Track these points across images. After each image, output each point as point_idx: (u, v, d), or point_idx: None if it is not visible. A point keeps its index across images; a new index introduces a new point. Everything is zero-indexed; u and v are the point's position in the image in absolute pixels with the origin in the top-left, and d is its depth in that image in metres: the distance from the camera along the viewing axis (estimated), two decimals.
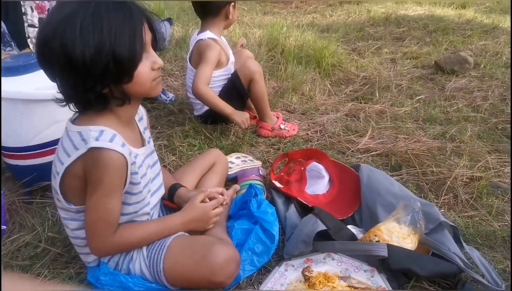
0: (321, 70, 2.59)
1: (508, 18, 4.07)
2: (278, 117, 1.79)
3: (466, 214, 1.20)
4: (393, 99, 2.19)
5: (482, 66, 2.64)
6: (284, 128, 1.72)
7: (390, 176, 1.42)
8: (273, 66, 2.55)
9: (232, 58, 1.77)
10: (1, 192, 1.20)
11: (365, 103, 2.17)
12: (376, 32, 3.69)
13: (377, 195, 1.09)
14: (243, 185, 1.25)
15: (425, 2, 5.04)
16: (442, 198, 1.27)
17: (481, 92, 2.22)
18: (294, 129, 1.75)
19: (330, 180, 1.26)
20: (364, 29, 3.78)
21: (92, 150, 0.82)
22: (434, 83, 2.44)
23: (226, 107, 1.63)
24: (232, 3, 1.67)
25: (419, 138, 1.68)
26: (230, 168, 1.32)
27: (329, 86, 2.39)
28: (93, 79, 0.81)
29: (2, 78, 1.19)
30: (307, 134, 1.78)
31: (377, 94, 2.26)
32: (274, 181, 1.25)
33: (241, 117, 1.63)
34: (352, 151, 1.61)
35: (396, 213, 0.97)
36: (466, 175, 1.37)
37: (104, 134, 0.84)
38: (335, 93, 2.33)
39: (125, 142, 0.87)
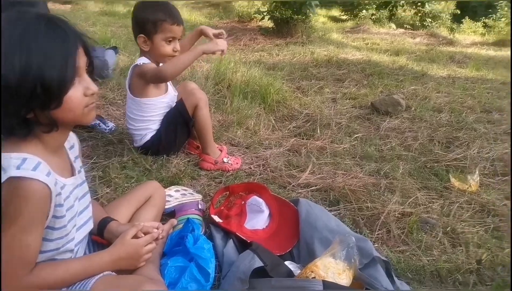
0: (266, 106, 2.65)
1: (435, 66, 4.50)
2: (221, 150, 1.78)
3: (398, 248, 1.24)
4: (333, 137, 2.28)
5: (413, 109, 2.85)
6: (227, 162, 1.71)
7: (329, 210, 1.45)
8: (219, 100, 2.57)
9: (171, 88, 1.77)
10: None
11: (307, 139, 2.23)
12: (319, 72, 3.89)
13: (315, 229, 1.10)
14: (181, 219, 1.21)
15: (363, 48, 5.44)
16: (376, 232, 1.31)
17: (411, 132, 2.39)
18: (237, 163, 1.75)
19: (270, 214, 1.26)
20: (308, 69, 3.96)
21: (10, 179, 0.75)
22: (370, 122, 2.59)
23: (192, 51, 1.61)
24: (143, 35, 1.60)
25: (356, 175, 1.75)
26: (168, 201, 1.27)
27: (273, 121, 2.44)
28: (17, 103, 0.75)
29: None
30: (250, 168, 1.78)
31: (318, 131, 2.35)
32: (213, 216, 1.22)
33: (214, 43, 1.61)
34: (293, 186, 1.63)
35: (332, 248, 0.98)
36: (398, 211, 1.43)
37: (27, 162, 0.77)
38: (278, 129, 2.38)
39: (51, 171, 0.80)
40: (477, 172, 1.74)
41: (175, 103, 1.72)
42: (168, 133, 1.66)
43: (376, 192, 1.62)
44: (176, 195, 1.30)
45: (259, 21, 6.55)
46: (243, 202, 1.27)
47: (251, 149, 2.01)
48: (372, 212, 1.43)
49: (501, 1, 8.19)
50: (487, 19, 8.67)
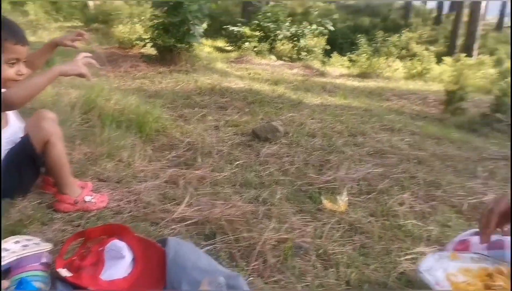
0: (143, 135, 2.50)
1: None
2: (84, 187, 1.57)
3: (273, 278, 1.22)
4: (214, 165, 2.24)
5: (290, 134, 2.98)
6: (90, 201, 1.51)
7: (204, 245, 1.37)
8: (88, 130, 2.33)
9: (15, 119, 1.52)
10: None
11: (186, 169, 2.14)
12: (202, 100, 3.87)
13: (183, 271, 1.00)
14: (14, 279, 0.98)
15: (246, 77, 5.65)
16: (253, 264, 1.27)
17: (289, 157, 2.48)
18: (103, 201, 1.56)
19: (134, 260, 1.12)
20: (191, 97, 3.92)
21: None
22: (251, 149, 2.62)
23: (46, 73, 1.35)
24: None
25: (235, 203, 1.71)
26: (3, 257, 1.03)
27: (150, 152, 2.30)
28: None
29: None
30: (119, 205, 1.61)
31: (199, 160, 2.28)
32: (59, 269, 1.03)
33: (74, 64, 1.38)
34: (166, 221, 1.51)
35: (200, 290, 0.89)
36: (274, 238, 1.42)
37: None
38: (156, 159, 2.25)
39: None
40: (345, 192, 1.85)
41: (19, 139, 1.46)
42: (10, 174, 1.39)
43: (254, 220, 1.60)
44: (14, 248, 1.07)
45: (142, 48, 6.35)
46: (100, 248, 1.11)
47: (122, 183, 1.83)
48: (249, 242, 1.39)
49: (361, 39, 9.40)
50: (351, 54, 9.84)
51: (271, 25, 10.18)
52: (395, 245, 1.50)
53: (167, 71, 5.23)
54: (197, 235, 1.43)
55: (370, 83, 7.25)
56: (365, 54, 8.90)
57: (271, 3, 11.75)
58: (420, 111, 5.12)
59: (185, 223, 1.50)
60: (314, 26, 10.89)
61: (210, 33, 10.77)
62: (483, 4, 12.09)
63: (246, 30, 9.98)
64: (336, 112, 4.00)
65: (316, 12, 11.75)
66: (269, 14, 10.28)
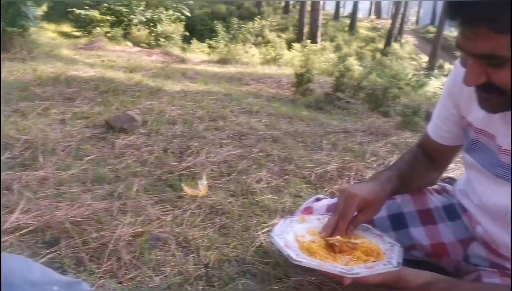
0: None
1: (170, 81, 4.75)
2: None
3: (128, 276, 1.13)
4: (59, 163, 1.99)
5: (149, 123, 2.85)
6: None
7: (46, 254, 1.20)
8: None
9: None
10: None
11: (23, 171, 1.85)
12: (44, 92, 3.41)
13: (11, 289, 0.85)
14: None
15: (97, 65, 5.19)
16: (105, 265, 1.17)
17: (148, 147, 2.36)
18: None
19: None
20: (29, 89, 3.42)
21: None
22: (105, 142, 2.42)
23: None
24: None
25: (84, 202, 1.54)
26: None
27: None
28: None
29: None
30: None
31: (40, 159, 2.00)
32: None
33: None
34: None
35: None
36: (129, 233, 1.33)
37: None
38: None
39: None
40: (204, 176, 1.85)
41: None
42: None
43: (107, 218, 1.47)
44: None
45: None
46: None
47: None
48: (100, 242, 1.27)
49: (218, 26, 9.57)
50: (211, 41, 9.97)
51: (123, 9, 9.58)
52: (253, 221, 1.56)
53: None
54: (35, 244, 1.24)
55: (230, 69, 7.48)
56: (223, 41, 9.10)
57: None
58: (275, 93, 5.48)
59: (20, 232, 1.29)
60: (170, 12, 10.63)
61: (54, 17, 9.59)
62: None
63: (95, 14, 9.17)
64: (196, 98, 3.99)
65: None
66: None
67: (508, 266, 0.97)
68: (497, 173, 0.86)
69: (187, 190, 1.77)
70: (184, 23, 10.83)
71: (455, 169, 2.24)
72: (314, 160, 2.38)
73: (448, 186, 1.21)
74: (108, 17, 9.40)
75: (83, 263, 1.15)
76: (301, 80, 5.51)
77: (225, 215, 1.62)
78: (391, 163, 2.21)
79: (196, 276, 1.15)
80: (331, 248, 0.91)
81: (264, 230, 1.49)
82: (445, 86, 1.01)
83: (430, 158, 1.11)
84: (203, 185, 1.79)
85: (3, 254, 0.93)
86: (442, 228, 1.12)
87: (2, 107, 2.81)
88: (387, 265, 0.81)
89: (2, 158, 1.98)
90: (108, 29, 9.09)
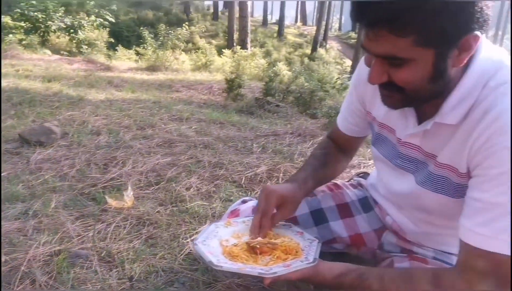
0: None
1: None
2: None
3: None
4: None
5: (70, 135, 2.69)
6: None
7: None
8: None
9: None
10: None
11: None
12: None
13: None
14: None
15: (10, 75, 4.78)
16: (17, 289, 1.07)
17: (68, 160, 2.22)
18: None
19: None
20: None
21: None
22: (19, 157, 2.24)
23: None
24: None
25: None
26: None
27: None
28: None
29: None
30: None
31: None
32: None
33: None
34: None
35: None
36: (45, 252, 1.24)
37: None
38: None
39: None
40: (130, 187, 1.78)
41: None
42: None
43: (21, 238, 1.35)
44: None
45: None
46: None
47: None
48: (12, 264, 1.17)
49: (144, 32, 9.31)
50: (138, 48, 9.65)
51: (40, 15, 8.95)
52: (183, 229, 1.54)
53: None
54: None
55: (159, 76, 7.30)
56: (151, 48, 8.87)
57: None
58: (207, 99, 5.46)
59: None
60: (93, 18, 10.14)
61: None
62: (249, 3, 13.81)
63: (7, 20, 8.45)
64: (123, 107, 3.84)
65: (92, 3, 10.96)
66: (34, 2, 8.99)
67: (416, 250, 1.06)
68: (398, 163, 0.93)
69: (112, 202, 1.69)
70: (108, 29, 10.38)
71: (371, 165, 2.41)
72: (244, 163, 2.41)
73: (362, 180, 1.29)
74: (22, 24, 8.70)
75: None
76: (232, 85, 5.55)
77: (152, 225, 1.57)
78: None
79: (120, 290, 1.10)
80: (252, 250, 0.93)
81: (194, 237, 1.48)
82: (351, 83, 1.08)
83: (340, 147, 1.19)
84: (129, 196, 1.73)
85: None
86: (359, 219, 1.19)
87: None
88: (304, 261, 0.84)
89: None
90: (22, 37, 8.41)
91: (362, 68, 0.97)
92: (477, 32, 0.67)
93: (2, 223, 1.45)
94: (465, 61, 0.70)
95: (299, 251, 0.91)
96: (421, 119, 0.85)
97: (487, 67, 0.72)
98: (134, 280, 1.14)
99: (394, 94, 0.76)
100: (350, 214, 1.20)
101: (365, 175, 1.39)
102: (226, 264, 0.84)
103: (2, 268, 1.15)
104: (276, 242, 0.93)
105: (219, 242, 0.97)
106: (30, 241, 1.34)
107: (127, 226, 1.53)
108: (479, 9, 0.64)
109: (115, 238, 1.43)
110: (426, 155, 0.86)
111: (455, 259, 0.98)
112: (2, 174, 1.94)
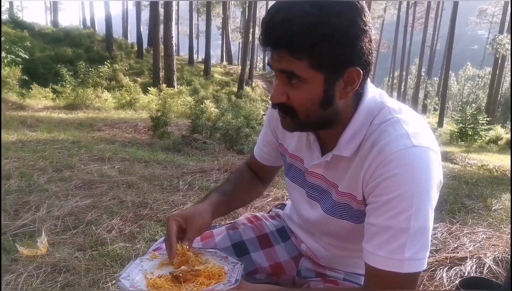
0: None
1: None
2: None
3: None
4: None
5: None
6: None
7: None
8: None
9: None
10: None
11: None
12: None
13: None
14: None
15: None
16: None
17: None
18: None
19: None
20: None
21: None
22: None
23: None
24: None
25: None
26: None
27: None
28: None
29: None
30: None
31: None
32: None
33: None
34: None
35: None
36: None
37: None
38: None
39: None
40: (43, 233, 1.68)
41: None
42: None
43: None
44: None
45: None
46: None
47: None
48: None
49: (62, 70, 8.90)
50: (56, 86, 9.16)
51: None
52: (103, 273, 1.48)
53: None
54: None
55: (80, 115, 6.99)
56: (69, 85, 8.49)
57: None
58: (131, 138, 5.32)
59: None
60: (3, 54, 9.48)
61: None
62: (174, 41, 13.96)
63: None
64: (37, 147, 3.61)
65: (3, 38, 10.27)
66: None
67: (329, 273, 1.15)
68: (307, 192, 1.03)
69: (23, 250, 1.58)
70: (21, 66, 9.74)
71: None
72: (170, 201, 2.39)
73: (280, 211, 1.38)
74: None
75: None
76: (158, 123, 5.49)
77: (70, 271, 1.49)
78: None
79: None
80: (176, 279, 0.94)
81: (117, 275, 1.43)
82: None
83: (256, 174, 1.26)
84: (42, 242, 1.62)
85: None
86: (278, 249, 1.26)
87: None
88: (226, 284, 0.88)
89: None
90: None
91: None
92: (359, 68, 0.78)
93: None
94: (350, 95, 0.82)
95: (222, 275, 0.94)
96: (323, 151, 0.95)
97: (372, 107, 0.86)
98: None
99: (287, 117, 0.86)
100: (269, 244, 1.26)
101: (282, 206, 1.48)
102: None
103: None
104: (199, 268, 0.95)
105: (144, 275, 0.96)
106: None
107: (40, 275, 1.43)
108: (363, 47, 0.77)
109: (26, 289, 1.32)
110: (329, 184, 0.96)
111: (363, 279, 1.08)
112: None
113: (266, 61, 0.84)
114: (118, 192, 2.50)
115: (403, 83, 38.60)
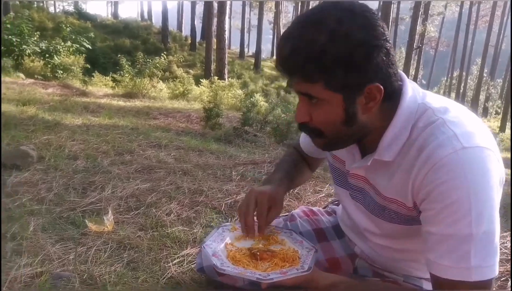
0: None
1: None
2: None
3: None
4: None
5: (46, 159, 2.66)
6: None
7: None
8: None
9: None
10: None
11: None
12: None
13: None
14: None
15: None
16: None
17: (46, 184, 2.20)
18: None
19: None
20: None
21: None
22: None
23: None
24: None
25: None
26: None
27: None
28: None
29: None
30: None
31: None
32: None
33: None
34: None
35: None
36: (26, 274, 1.22)
37: None
38: None
39: None
40: (110, 211, 1.78)
41: None
42: None
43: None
44: None
45: None
46: None
47: None
48: None
49: (122, 60, 9.35)
50: (115, 75, 9.66)
51: (14, 39, 8.86)
52: (164, 253, 1.55)
53: None
54: None
55: (137, 103, 7.31)
56: (128, 75, 8.90)
57: (11, 13, 10.24)
58: (185, 127, 5.49)
59: None
60: (69, 43, 10.11)
61: None
62: (226, 35, 14.16)
63: None
64: (100, 132, 3.82)
65: (69, 29, 10.96)
66: (8, 26, 8.91)
67: (388, 275, 1.13)
68: (350, 194, 1.01)
69: (92, 226, 1.69)
70: (84, 55, 10.35)
71: None
72: (224, 190, 2.45)
73: (336, 208, 1.37)
74: None
75: None
76: (210, 114, 5.62)
77: (133, 249, 1.58)
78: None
79: None
80: (254, 256, 0.98)
81: (175, 261, 1.49)
82: None
83: (304, 159, 1.27)
84: (109, 220, 1.73)
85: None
86: (334, 244, 1.25)
87: None
88: (300, 270, 0.90)
89: None
90: None
91: None
92: (379, 84, 0.75)
93: None
94: (373, 110, 0.79)
95: (296, 259, 0.96)
96: (364, 153, 0.93)
97: (413, 109, 0.81)
98: None
99: (317, 138, 0.86)
100: (325, 238, 1.26)
101: (339, 203, 1.46)
102: (228, 268, 0.89)
103: None
104: (275, 250, 0.98)
105: (225, 245, 1.02)
106: (9, 263, 1.32)
107: (107, 250, 1.53)
108: (379, 63, 0.74)
109: (96, 262, 1.42)
110: (371, 186, 0.93)
111: (424, 283, 1.04)
112: None
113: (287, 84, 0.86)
114: (175, 178, 2.60)
115: (463, 84, 36.43)
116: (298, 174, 1.22)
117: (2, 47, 8.78)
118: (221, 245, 1.01)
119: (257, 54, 23.45)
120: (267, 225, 1.06)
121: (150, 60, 9.63)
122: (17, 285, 1.16)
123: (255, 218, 1.04)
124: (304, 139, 1.20)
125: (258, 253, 0.96)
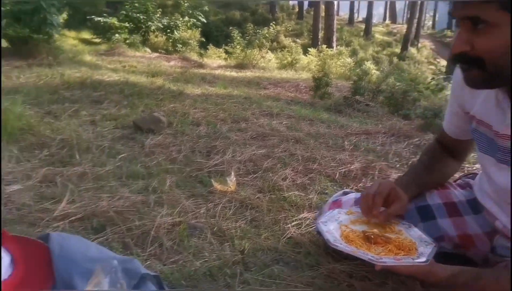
0: (5, 136, 2.19)
1: None
2: None
3: (171, 260, 1.21)
4: (94, 160, 2.09)
5: (174, 125, 2.95)
6: None
7: (94, 239, 1.29)
8: None
9: None
10: None
11: (63, 167, 1.96)
12: (73, 95, 3.55)
13: (73, 263, 0.93)
14: None
15: (120, 70, 5.34)
16: (148, 249, 1.25)
17: (175, 146, 2.46)
18: None
19: (13, 261, 0.99)
20: (58, 92, 3.56)
21: None
22: (134, 141, 2.52)
23: None
24: None
25: (123, 195, 1.64)
26: None
27: (16, 152, 2.04)
28: None
29: None
30: None
31: (77, 157, 2.11)
32: None
33: None
34: (47, 221, 1.37)
35: (94, 278, 0.85)
36: (168, 222, 1.41)
37: None
38: (25, 160, 2.00)
39: None
40: (232, 173, 1.92)
41: None
42: None
43: (146, 209, 1.56)
44: None
45: None
46: None
47: None
48: (142, 229, 1.35)
49: (233, 32, 9.70)
50: (227, 47, 10.10)
51: (141, 16, 9.81)
52: (282, 215, 1.63)
53: (25, 65, 4.65)
54: (84, 230, 1.33)
55: (248, 74, 7.58)
56: (239, 46, 9.22)
57: None
58: (294, 97, 5.54)
59: (69, 219, 1.38)
60: (186, 18, 10.83)
61: (74, 24, 9.88)
62: (335, 2, 13.59)
63: (114, 21, 9.40)
64: (217, 101, 4.08)
65: (186, 4, 11.70)
66: (136, 4, 9.86)
67: None
68: (498, 158, 0.91)
69: (217, 185, 1.85)
70: (200, 29, 11.01)
71: (475, 170, 2.27)
72: (337, 159, 2.43)
73: (471, 181, 1.26)
74: (127, 24, 9.63)
75: (129, 247, 1.24)
76: (319, 84, 5.56)
77: (254, 209, 1.69)
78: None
79: (233, 261, 1.22)
80: (367, 239, 0.98)
81: (293, 224, 1.56)
82: (450, 89, 1.09)
83: (449, 150, 1.18)
84: (231, 181, 1.87)
85: (52, 233, 1.01)
86: (468, 220, 1.16)
87: (35, 110, 2.96)
88: (415, 259, 0.87)
89: (40, 155, 2.10)
90: (127, 36, 9.30)
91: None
92: None
93: (129, 194, 1.67)
94: None
95: (413, 250, 0.93)
96: None
97: None
98: (244, 253, 1.25)
99: (473, 69, 0.78)
100: (458, 213, 1.18)
101: (473, 176, 1.34)
102: (341, 245, 0.90)
103: (135, 232, 1.34)
104: (390, 236, 0.96)
105: (339, 225, 1.04)
106: (153, 212, 1.53)
107: (232, 208, 1.66)
108: None
109: (223, 217, 1.56)
110: None
111: None
112: (121, 156, 2.21)
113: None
114: (288, 145, 2.66)
115: None
116: (433, 174, 1.17)
117: (131, 24, 9.81)
118: (334, 224, 1.02)
119: (368, 20, 22.09)
120: (387, 219, 1.05)
121: (259, 31, 9.81)
122: (162, 230, 1.35)
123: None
124: (449, 119, 1.13)
125: (372, 236, 0.95)
